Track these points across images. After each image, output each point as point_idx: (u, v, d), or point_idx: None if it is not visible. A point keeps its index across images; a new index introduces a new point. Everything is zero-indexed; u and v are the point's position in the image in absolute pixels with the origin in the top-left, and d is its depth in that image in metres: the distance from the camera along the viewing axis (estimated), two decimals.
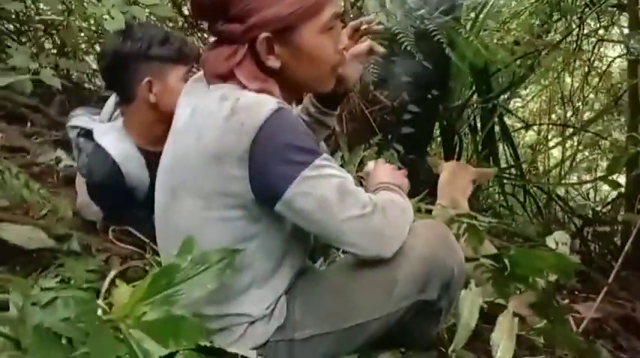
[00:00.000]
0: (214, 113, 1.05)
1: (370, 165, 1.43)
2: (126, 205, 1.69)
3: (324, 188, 1.03)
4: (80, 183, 1.80)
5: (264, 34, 1.06)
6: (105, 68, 1.68)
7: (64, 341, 0.86)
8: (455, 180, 1.99)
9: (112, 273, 1.40)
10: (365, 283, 1.11)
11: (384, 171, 1.33)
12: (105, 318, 0.97)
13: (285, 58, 1.10)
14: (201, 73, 1.21)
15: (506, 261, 1.28)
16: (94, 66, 3.82)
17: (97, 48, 3.80)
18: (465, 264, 1.17)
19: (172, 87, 1.62)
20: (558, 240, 2.30)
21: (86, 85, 3.50)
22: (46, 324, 0.86)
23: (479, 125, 3.85)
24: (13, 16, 3.23)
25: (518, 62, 3.68)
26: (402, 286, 1.08)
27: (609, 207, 4.40)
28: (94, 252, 1.57)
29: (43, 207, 1.68)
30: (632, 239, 2.11)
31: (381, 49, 1.33)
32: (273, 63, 1.09)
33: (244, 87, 1.09)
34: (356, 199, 1.05)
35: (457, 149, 3.55)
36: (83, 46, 3.19)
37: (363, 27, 1.33)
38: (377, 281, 1.10)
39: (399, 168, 1.39)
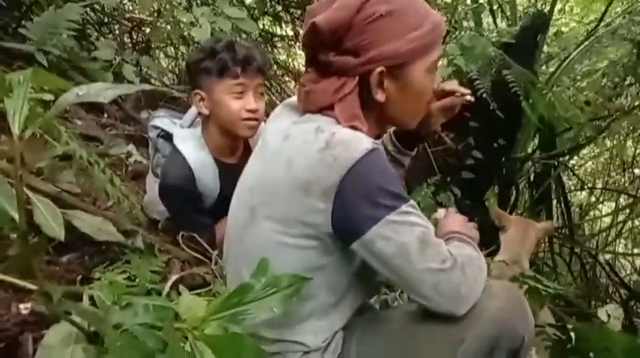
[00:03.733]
0: (309, 143, 1.06)
1: (440, 212, 1.41)
2: (192, 210, 1.73)
3: (407, 235, 1.03)
4: (151, 181, 1.85)
5: (380, 68, 1.08)
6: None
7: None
8: (524, 237, 1.93)
9: (174, 278, 1.43)
10: (430, 336, 1.09)
11: (457, 220, 1.32)
12: (176, 327, 0.98)
13: (391, 93, 1.12)
14: (293, 99, 1.24)
15: (572, 333, 1.25)
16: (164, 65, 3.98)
17: (172, 50, 3.97)
18: None
19: (219, 102, 1.65)
20: (611, 314, 2.22)
21: (157, 84, 3.61)
22: (125, 326, 0.88)
23: (533, 179, 3.80)
24: (98, 7, 3.37)
25: (585, 122, 3.60)
26: (469, 346, 1.05)
27: None
28: (156, 252, 1.61)
29: (112, 199, 1.73)
30: None
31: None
32: (381, 97, 1.11)
33: (338, 121, 1.10)
34: (437, 252, 1.04)
35: (512, 201, 3.49)
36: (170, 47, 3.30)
37: (457, 94, 1.35)
38: (443, 336, 1.07)
39: (470, 220, 1.37)
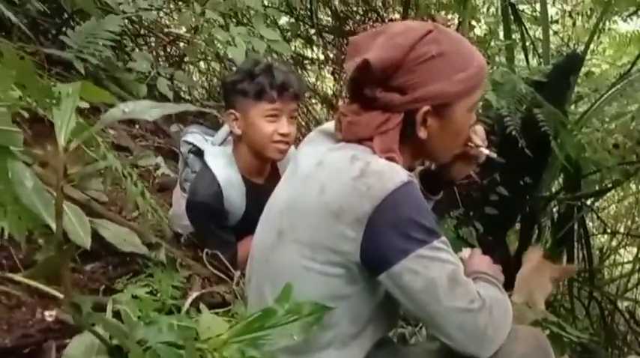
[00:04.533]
0: (343, 171, 1.06)
1: (465, 251, 1.40)
2: (216, 227, 1.74)
3: (436, 271, 1.02)
4: (178, 195, 1.87)
5: (426, 107, 1.08)
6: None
7: None
8: (537, 275, 1.87)
9: (194, 295, 1.43)
10: None
11: (483, 261, 1.30)
12: (197, 347, 0.98)
13: (433, 130, 1.12)
14: (328, 125, 1.24)
15: None
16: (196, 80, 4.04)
17: (204, 65, 4.03)
18: None
19: (253, 124, 1.67)
20: None
21: (187, 97, 3.66)
22: (149, 343, 0.88)
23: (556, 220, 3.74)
24: (135, 19, 3.45)
25: (614, 165, 3.55)
26: None
27: None
28: (177, 267, 1.61)
29: (141, 211, 1.74)
30: None
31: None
32: (423, 134, 1.11)
33: (374, 151, 1.10)
34: (466, 291, 1.03)
35: (533, 240, 3.44)
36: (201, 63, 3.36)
37: (470, 144, 1.30)
38: None
39: (494, 263, 1.35)
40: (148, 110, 0.82)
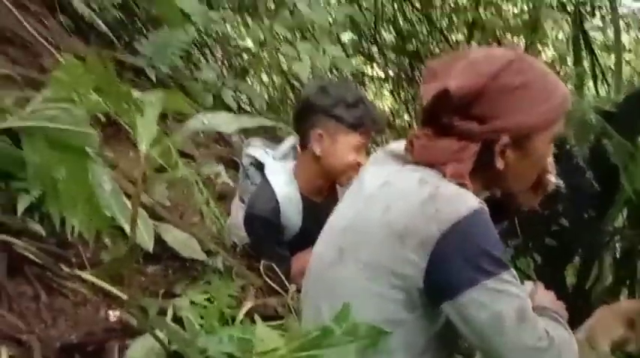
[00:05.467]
0: (410, 193, 1.04)
1: (528, 285, 1.35)
2: (272, 242, 1.75)
3: (504, 305, 0.98)
4: (237, 206, 1.89)
5: (506, 139, 1.05)
6: (295, 113, 1.79)
7: None
8: (609, 314, 1.73)
9: (249, 305, 1.44)
10: None
11: (547, 296, 1.25)
12: None
13: (510, 161, 1.09)
14: (395, 146, 1.23)
15: None
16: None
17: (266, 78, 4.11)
18: None
19: (339, 149, 1.68)
20: None
21: (247, 108, 3.73)
22: (209, 353, 0.89)
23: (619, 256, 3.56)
24: (203, 29, 3.55)
25: None
26: None
27: None
28: (233, 276, 1.63)
29: (206, 219, 1.77)
30: None
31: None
32: (501, 165, 1.08)
33: (444, 175, 1.08)
34: (534, 328, 0.99)
35: (593, 277, 3.28)
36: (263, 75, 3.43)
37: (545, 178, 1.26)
38: None
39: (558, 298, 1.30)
40: (228, 123, 0.83)
